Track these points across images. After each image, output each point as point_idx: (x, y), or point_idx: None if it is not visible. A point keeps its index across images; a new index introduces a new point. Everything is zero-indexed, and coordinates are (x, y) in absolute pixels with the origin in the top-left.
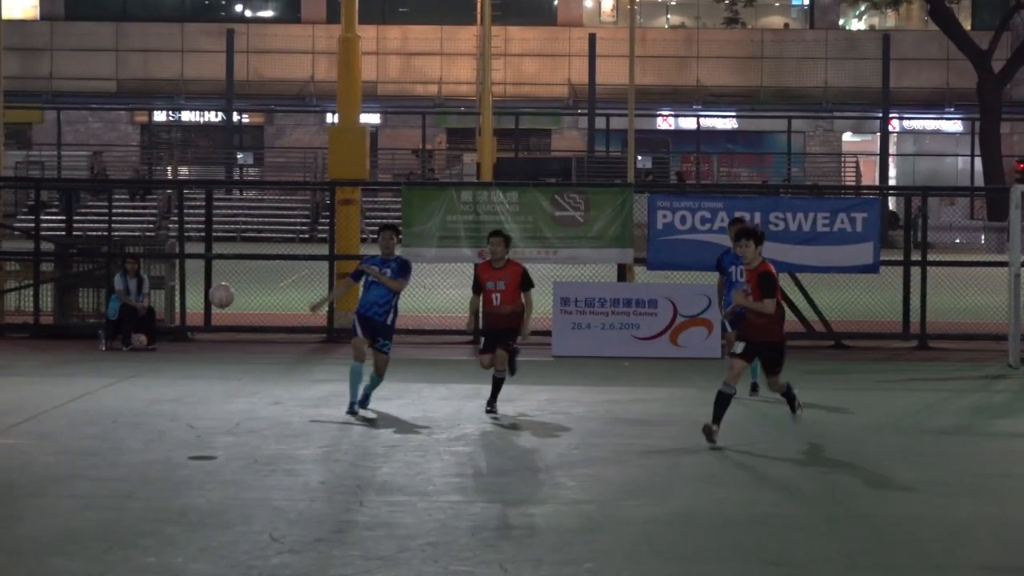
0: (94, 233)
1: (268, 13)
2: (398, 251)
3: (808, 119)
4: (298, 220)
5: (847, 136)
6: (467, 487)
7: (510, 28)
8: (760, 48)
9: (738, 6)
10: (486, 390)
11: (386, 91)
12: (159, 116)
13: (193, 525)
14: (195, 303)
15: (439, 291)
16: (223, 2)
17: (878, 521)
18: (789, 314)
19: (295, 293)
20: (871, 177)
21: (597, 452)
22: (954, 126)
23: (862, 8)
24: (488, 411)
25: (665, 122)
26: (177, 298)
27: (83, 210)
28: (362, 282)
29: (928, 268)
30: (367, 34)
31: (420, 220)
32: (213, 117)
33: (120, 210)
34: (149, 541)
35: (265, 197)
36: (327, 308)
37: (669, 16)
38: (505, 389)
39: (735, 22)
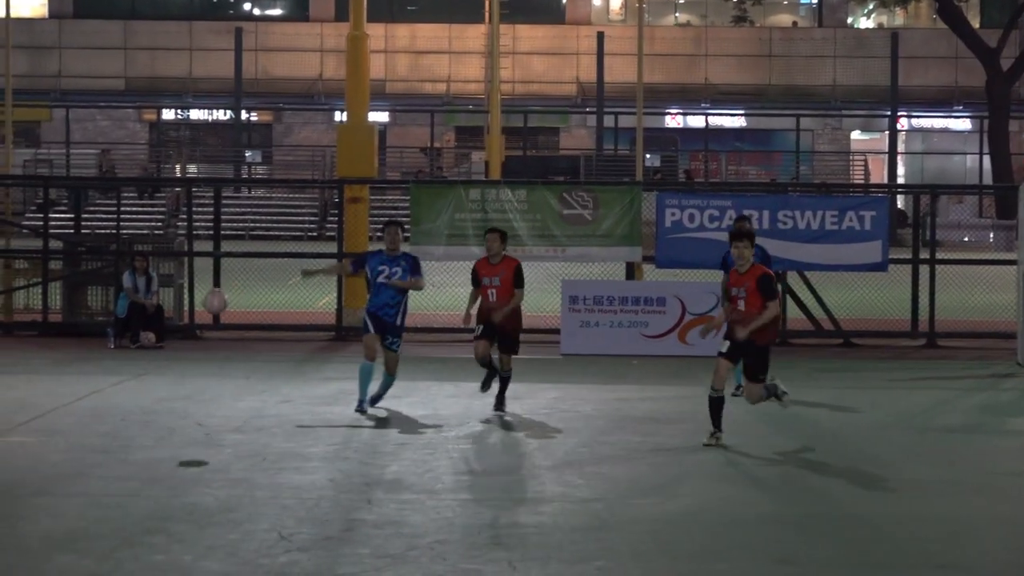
0: (103, 231)
1: (276, 11)
2: (403, 248)
3: (816, 117)
4: (307, 218)
5: (855, 134)
6: (476, 485)
7: (518, 26)
8: (768, 46)
9: (746, 4)
10: (494, 388)
11: (394, 89)
12: (167, 114)
13: (201, 523)
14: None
15: (448, 289)
16: (231, 0)
17: (885, 520)
18: (798, 312)
19: (304, 291)
20: (879, 175)
21: (606, 450)
22: (963, 124)
23: (870, 6)
24: (496, 410)
25: (673, 120)
26: (186, 296)
27: (92, 208)
28: (370, 280)
29: (937, 266)
30: (375, 32)
31: (429, 218)
32: (221, 115)
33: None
34: (157, 539)
35: (273, 195)
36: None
37: (677, 14)
38: (513, 387)
39: (743, 20)
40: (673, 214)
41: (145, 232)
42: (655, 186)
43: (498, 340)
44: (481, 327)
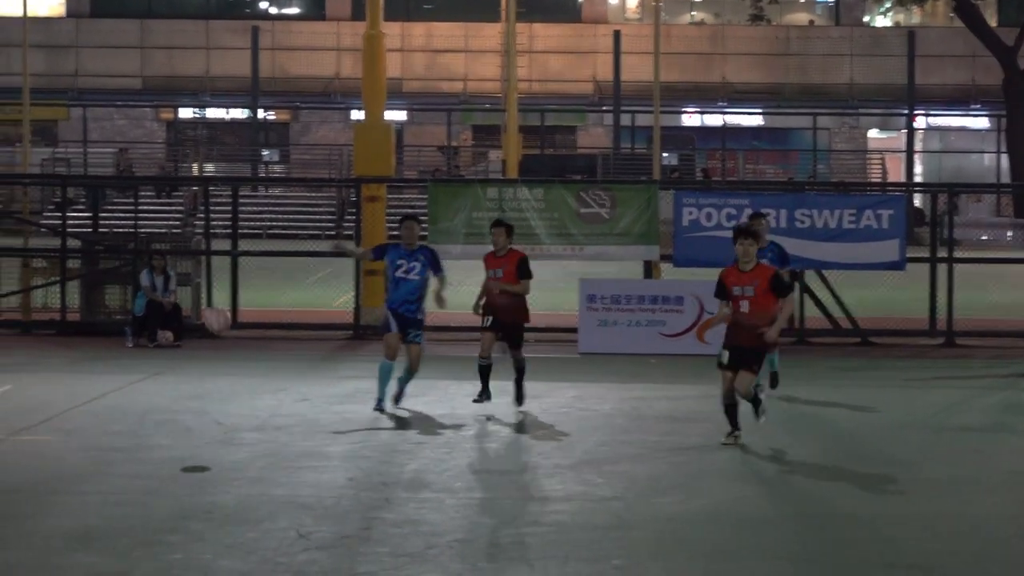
0: (120, 230)
1: (293, 10)
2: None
3: (834, 116)
4: (324, 217)
5: (873, 133)
6: (494, 484)
7: (535, 25)
8: (786, 45)
9: (763, 3)
10: (512, 387)
11: (411, 88)
12: (184, 113)
13: (220, 521)
14: (221, 300)
15: (465, 288)
16: None
17: (902, 520)
18: (816, 311)
19: (321, 290)
20: (897, 174)
21: (624, 449)
22: (980, 123)
23: (887, 5)
24: (517, 404)
25: (691, 119)
26: (203, 295)
27: (109, 207)
28: (390, 276)
29: (954, 265)
30: (392, 31)
31: (446, 217)
32: (238, 114)
33: (146, 207)
34: (176, 537)
35: (291, 194)
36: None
37: (694, 13)
38: (532, 386)
39: (760, 19)
40: (691, 213)
41: (163, 231)
42: (672, 185)
43: (505, 335)
44: (489, 319)
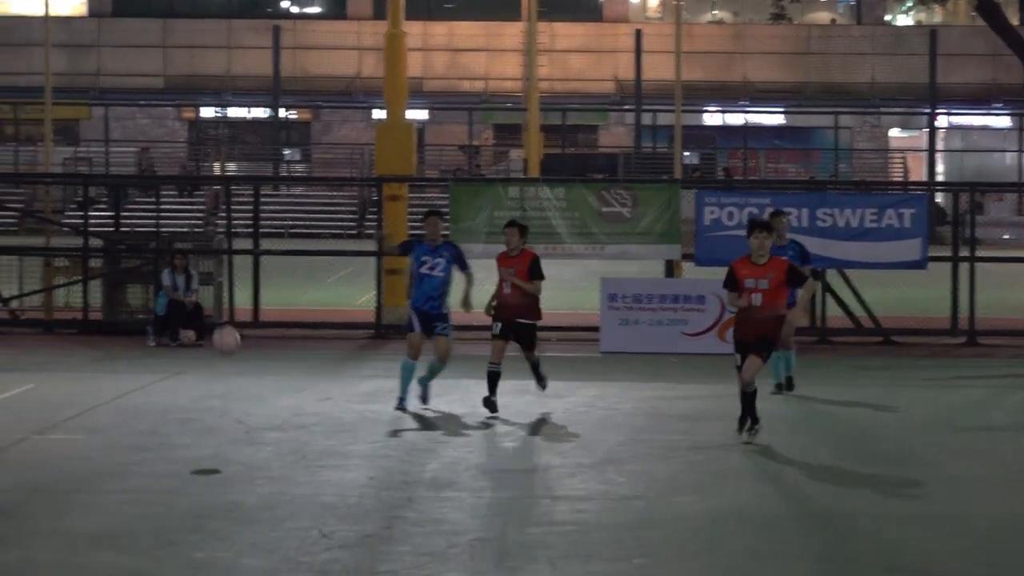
0: (142, 229)
1: (314, 9)
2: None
3: (855, 115)
4: (345, 216)
5: (894, 132)
6: (516, 482)
7: (556, 24)
8: (807, 44)
9: (784, 2)
10: (534, 386)
11: (432, 87)
12: (206, 112)
13: (242, 520)
14: (243, 299)
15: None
16: None
17: (925, 519)
18: (838, 310)
19: (343, 289)
20: (919, 173)
21: (645, 448)
22: (1002, 122)
23: (909, 4)
24: (539, 385)
25: (712, 118)
26: (225, 294)
27: (131, 206)
28: (413, 273)
29: (976, 264)
30: (413, 30)
31: (467, 216)
32: (260, 113)
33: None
34: (198, 536)
35: (312, 193)
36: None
37: (715, 12)
38: (553, 385)
39: (782, 18)
40: (712, 212)
41: (184, 230)
42: (694, 184)
43: (516, 337)
44: (499, 326)
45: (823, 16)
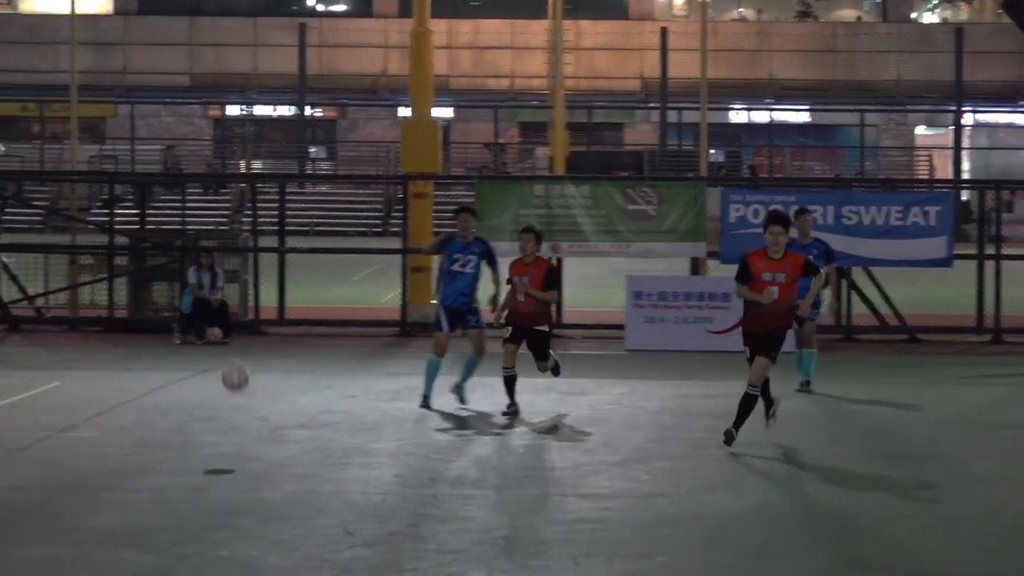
0: (168, 227)
1: (340, 7)
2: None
3: (881, 112)
4: (371, 214)
5: (920, 130)
6: (541, 480)
7: (581, 22)
8: (833, 41)
9: None
10: (559, 383)
11: (458, 85)
12: (232, 110)
13: (266, 518)
14: (269, 297)
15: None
16: None
17: (953, 518)
18: (863, 308)
19: (368, 287)
20: (944, 171)
21: (670, 446)
22: None
23: (935, 1)
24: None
25: (738, 116)
26: (251, 292)
27: (156, 204)
28: (444, 270)
29: (1002, 262)
30: (439, 28)
31: (493, 214)
32: (286, 111)
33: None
34: (222, 534)
35: (338, 191)
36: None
37: (741, 9)
38: (579, 383)
39: (807, 15)
40: (738, 209)
41: (210, 228)
42: (719, 181)
43: (530, 346)
44: (510, 330)
45: (849, 14)
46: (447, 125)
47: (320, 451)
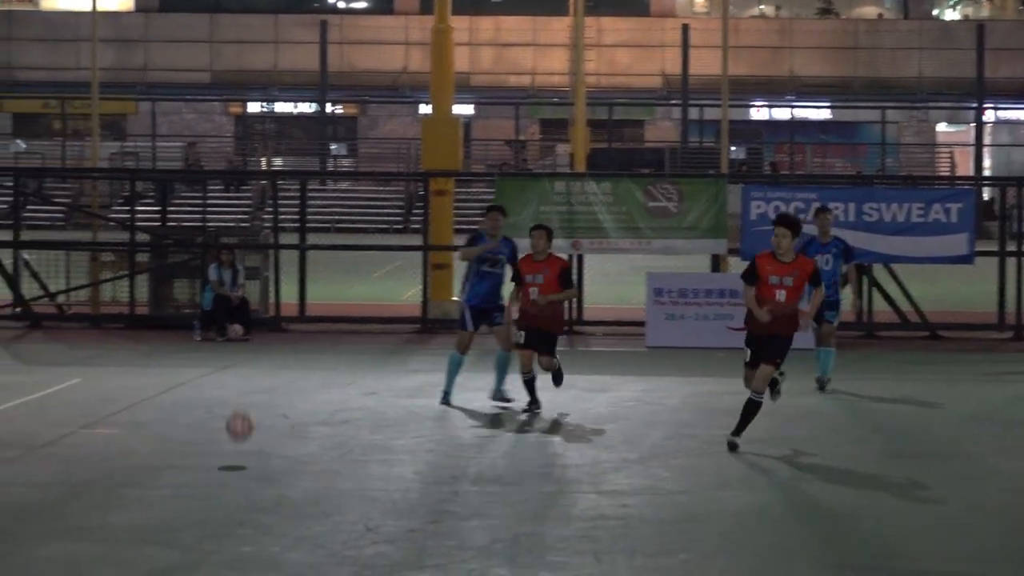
0: (189, 224)
1: (361, 4)
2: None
3: (902, 109)
4: (392, 211)
5: (941, 126)
6: (561, 477)
7: (603, 19)
8: (854, 38)
9: None
10: (580, 380)
11: (479, 82)
12: (253, 107)
13: (288, 515)
14: (289, 293)
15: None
16: None
17: (975, 515)
18: (884, 305)
19: (389, 283)
20: (966, 168)
21: (691, 443)
22: None
23: None
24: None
25: (759, 113)
26: (271, 288)
27: (178, 201)
28: (474, 270)
29: None
30: (460, 25)
31: (514, 211)
32: (307, 108)
33: (214, 201)
34: (244, 530)
35: (359, 188)
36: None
37: (762, 6)
38: (599, 379)
39: (829, 12)
40: (758, 206)
41: (231, 225)
42: (740, 178)
43: (538, 343)
44: (523, 335)
45: (870, 11)
46: (468, 122)
47: (341, 448)
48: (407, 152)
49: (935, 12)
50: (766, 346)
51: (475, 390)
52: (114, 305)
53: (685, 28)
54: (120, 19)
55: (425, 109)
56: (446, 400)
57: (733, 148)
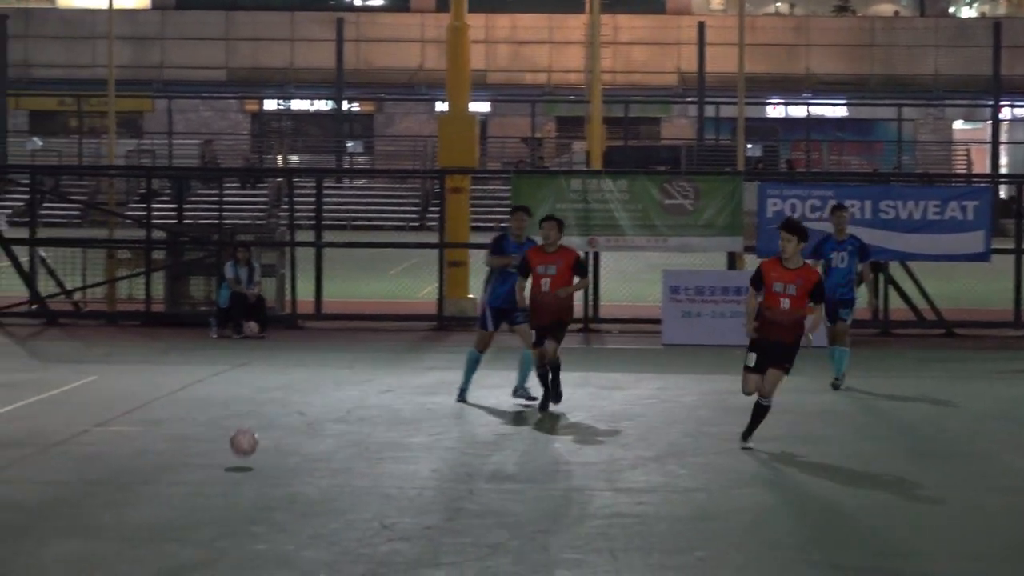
0: (205, 221)
1: (378, 1)
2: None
3: (919, 107)
4: (408, 208)
5: (958, 124)
6: (578, 474)
7: (619, 17)
8: (871, 36)
9: None
10: (596, 378)
11: (495, 80)
12: (269, 104)
13: (303, 512)
14: (305, 291)
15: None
16: None
17: (988, 512)
18: (900, 303)
19: (405, 281)
20: (982, 165)
21: (707, 441)
22: None
23: None
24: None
25: (775, 110)
26: (287, 286)
27: (194, 198)
28: (496, 273)
29: None
30: (476, 23)
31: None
32: (323, 105)
33: (231, 198)
34: (260, 528)
35: (375, 185)
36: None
37: (778, 4)
38: (616, 377)
39: (845, 10)
40: (775, 204)
41: (247, 222)
42: (756, 176)
43: (549, 329)
44: (534, 333)
45: (886, 8)
46: (484, 119)
47: (357, 445)
48: (423, 150)
49: (951, 9)
50: (773, 352)
51: (491, 387)
52: (130, 302)
53: (701, 25)
54: (137, 17)
55: (441, 106)
56: (462, 397)
57: (749, 146)
